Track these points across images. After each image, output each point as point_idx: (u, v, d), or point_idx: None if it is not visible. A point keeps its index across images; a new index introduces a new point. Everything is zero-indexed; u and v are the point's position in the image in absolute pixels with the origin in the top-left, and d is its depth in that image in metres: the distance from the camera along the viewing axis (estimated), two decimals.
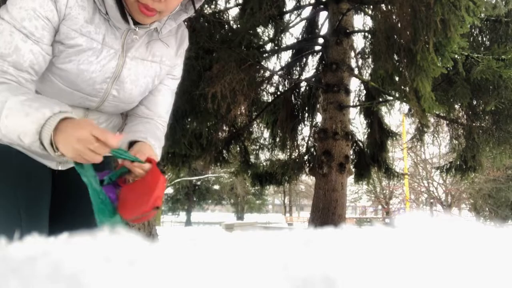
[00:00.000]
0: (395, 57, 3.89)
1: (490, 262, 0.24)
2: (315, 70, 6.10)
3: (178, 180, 21.09)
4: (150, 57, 1.13)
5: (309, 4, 5.78)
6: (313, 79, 5.80)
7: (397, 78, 4.09)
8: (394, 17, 3.81)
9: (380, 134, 5.91)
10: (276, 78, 5.88)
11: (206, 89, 4.19)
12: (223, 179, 24.45)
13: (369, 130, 6.09)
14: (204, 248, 0.25)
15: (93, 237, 0.26)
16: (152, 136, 1.12)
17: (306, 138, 6.30)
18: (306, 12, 6.03)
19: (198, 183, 25.69)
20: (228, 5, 5.22)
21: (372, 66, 5.44)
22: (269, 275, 0.22)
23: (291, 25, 5.68)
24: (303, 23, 5.96)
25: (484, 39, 5.24)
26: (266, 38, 5.28)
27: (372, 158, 6.02)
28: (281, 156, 6.40)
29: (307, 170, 6.05)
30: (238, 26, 4.86)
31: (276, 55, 5.69)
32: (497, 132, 5.15)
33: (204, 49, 4.36)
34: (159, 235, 5.67)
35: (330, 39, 5.03)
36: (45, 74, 1.03)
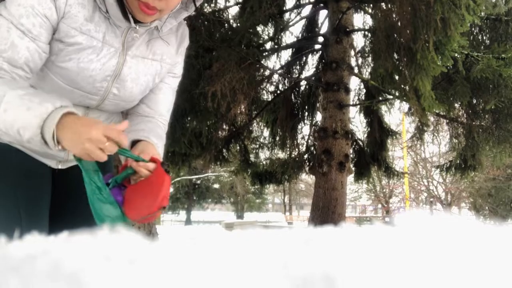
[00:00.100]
0: (395, 55, 3.89)
1: (490, 260, 0.24)
2: (315, 69, 6.09)
3: (178, 179, 21.10)
4: (151, 55, 1.12)
5: (309, 3, 5.77)
6: (313, 78, 5.80)
7: (397, 77, 4.09)
8: (394, 15, 3.81)
9: (380, 133, 5.91)
10: (276, 77, 5.88)
11: (206, 87, 4.19)
12: (223, 178, 24.46)
13: (369, 129, 6.09)
14: (204, 247, 0.25)
15: (93, 236, 0.26)
16: (155, 135, 1.12)
17: (306, 137, 6.30)
18: (306, 10, 6.03)
19: (198, 182, 25.70)
20: (228, 4, 5.21)
21: (372, 65, 5.43)
22: (269, 274, 0.22)
23: (291, 23, 5.68)
24: (303, 21, 5.95)
25: (484, 37, 5.23)
26: (266, 37, 5.27)
27: (372, 157, 6.02)
28: (281, 155, 6.41)
29: (307, 169, 6.05)
30: (238, 24, 4.86)
31: (276, 53, 5.69)
32: (497, 131, 5.15)
33: (204, 48, 4.36)
34: (159, 234, 5.67)
35: (330, 38, 5.03)
36: (45, 72, 1.03)
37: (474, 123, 5.34)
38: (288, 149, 6.14)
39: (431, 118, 5.97)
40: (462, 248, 0.25)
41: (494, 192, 17.53)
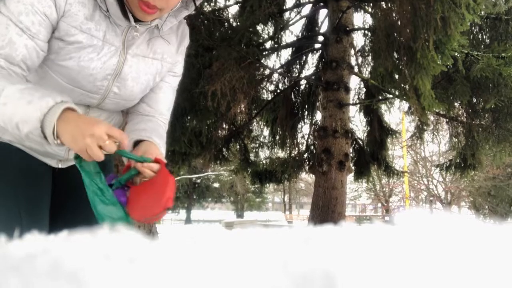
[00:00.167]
0: (395, 55, 3.89)
1: (490, 259, 0.24)
2: (315, 68, 6.09)
3: (178, 178, 21.09)
4: (151, 54, 1.13)
5: (309, 2, 5.76)
6: (313, 77, 5.80)
7: (397, 76, 4.08)
8: (394, 15, 3.80)
9: (380, 132, 5.91)
10: (276, 76, 5.88)
11: (206, 87, 4.19)
12: (223, 177, 24.44)
13: (369, 128, 6.09)
14: (204, 246, 0.25)
15: (93, 235, 0.26)
16: (157, 135, 1.12)
17: (306, 136, 6.30)
18: (306, 10, 6.02)
19: (198, 181, 25.70)
20: (227, 3, 5.21)
21: (372, 64, 5.43)
22: (269, 272, 0.22)
23: (291, 23, 5.67)
24: (303, 21, 5.95)
25: (484, 37, 5.23)
26: (266, 36, 5.27)
27: (371, 156, 6.02)
28: (281, 154, 6.41)
29: (306, 168, 6.05)
30: (238, 24, 4.86)
31: (276, 53, 5.68)
32: (496, 130, 5.15)
33: (204, 47, 4.35)
34: (159, 233, 5.68)
35: (330, 37, 5.03)
36: (46, 71, 1.03)
37: (474, 122, 5.34)
38: (288, 148, 6.14)
39: (431, 117, 5.97)
40: (462, 247, 0.25)
41: (494, 191, 17.53)
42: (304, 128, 6.35)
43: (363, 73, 5.97)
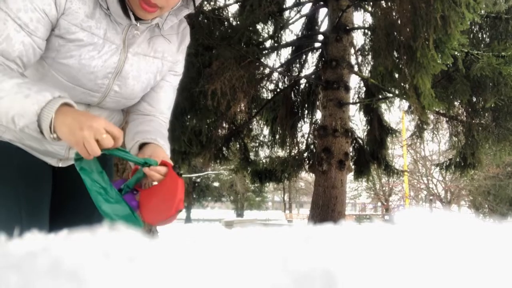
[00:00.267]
0: (395, 54, 3.88)
1: (489, 258, 0.24)
2: (314, 67, 6.09)
3: None
4: (152, 53, 1.13)
5: (309, 1, 5.76)
6: (312, 76, 5.80)
7: (397, 75, 4.08)
8: (394, 13, 3.80)
9: (380, 131, 5.91)
10: (275, 75, 5.87)
11: (206, 86, 4.19)
12: (222, 176, 24.44)
13: (368, 127, 6.09)
14: (203, 245, 0.25)
15: (93, 234, 0.26)
16: (161, 136, 1.13)
17: (306, 135, 6.30)
18: (306, 8, 6.02)
19: (198, 180, 25.70)
20: (227, 2, 5.20)
21: (372, 63, 5.43)
22: (269, 271, 0.22)
23: (290, 22, 5.67)
24: (303, 20, 5.94)
25: (484, 36, 5.22)
26: (266, 35, 5.27)
27: (371, 155, 6.02)
28: (281, 153, 6.40)
29: (306, 167, 6.05)
30: (238, 23, 4.85)
31: (275, 52, 5.68)
32: (496, 129, 5.15)
33: (204, 46, 4.35)
34: (159, 232, 5.68)
35: (330, 36, 5.02)
36: (47, 69, 1.03)
37: (474, 121, 5.34)
38: (288, 147, 6.14)
39: (431, 116, 5.97)
40: (462, 246, 0.25)
41: (494, 190, 17.53)
42: (304, 127, 6.35)
43: (363, 72, 5.96)
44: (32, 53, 0.96)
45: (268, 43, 5.43)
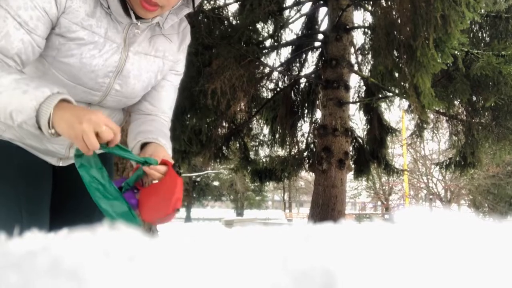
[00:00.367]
0: (395, 53, 3.88)
1: (489, 257, 0.24)
2: (314, 66, 6.09)
3: None
4: (153, 52, 1.13)
5: (309, 0, 5.75)
6: (312, 75, 5.79)
7: (396, 74, 4.08)
8: (394, 13, 3.80)
9: (380, 130, 5.91)
10: (275, 74, 5.87)
11: (206, 85, 4.18)
12: (222, 175, 24.45)
13: (368, 126, 6.09)
14: (203, 244, 0.25)
15: (93, 233, 0.26)
16: (162, 135, 1.13)
17: (306, 135, 6.30)
18: (306, 8, 6.01)
19: (198, 179, 25.69)
20: (227, 1, 5.20)
21: (372, 62, 5.43)
22: (269, 270, 0.22)
23: (290, 21, 5.66)
24: (303, 19, 5.94)
25: (484, 35, 5.22)
26: (266, 34, 5.26)
27: (371, 154, 6.02)
28: (281, 152, 6.41)
29: (306, 166, 6.06)
30: (238, 22, 4.85)
31: (275, 51, 5.68)
32: (496, 128, 5.15)
33: (204, 45, 4.35)
34: (159, 231, 5.68)
35: (330, 35, 5.02)
36: (48, 68, 1.03)
37: (473, 120, 5.34)
38: (287, 147, 6.14)
39: (431, 116, 5.97)
40: (462, 245, 0.25)
41: (494, 189, 17.54)
42: (304, 127, 6.35)
43: (363, 71, 5.96)
44: (31, 51, 0.96)
45: (268, 42, 5.43)
